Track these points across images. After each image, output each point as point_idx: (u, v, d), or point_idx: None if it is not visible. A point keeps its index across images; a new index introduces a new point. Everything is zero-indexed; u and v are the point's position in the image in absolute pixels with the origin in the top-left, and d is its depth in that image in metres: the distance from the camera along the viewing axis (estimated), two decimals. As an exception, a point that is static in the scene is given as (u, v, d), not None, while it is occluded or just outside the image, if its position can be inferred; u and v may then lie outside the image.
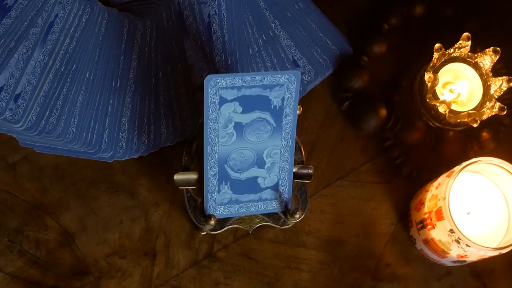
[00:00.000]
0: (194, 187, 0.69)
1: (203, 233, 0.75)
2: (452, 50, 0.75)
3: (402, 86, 0.79)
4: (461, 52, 0.75)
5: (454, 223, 0.66)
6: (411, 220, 0.75)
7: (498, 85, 0.74)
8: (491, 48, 0.74)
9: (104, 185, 0.76)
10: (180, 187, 0.69)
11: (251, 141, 0.66)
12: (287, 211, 0.69)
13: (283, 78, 0.63)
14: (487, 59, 0.75)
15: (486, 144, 0.78)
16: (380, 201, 0.78)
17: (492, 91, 0.75)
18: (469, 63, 0.76)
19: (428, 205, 0.70)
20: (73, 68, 0.68)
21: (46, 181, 0.76)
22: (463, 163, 0.68)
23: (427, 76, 0.73)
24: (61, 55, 0.66)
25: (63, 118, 0.68)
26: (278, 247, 0.76)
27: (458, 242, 0.66)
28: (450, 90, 0.77)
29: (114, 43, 0.72)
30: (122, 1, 0.76)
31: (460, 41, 0.74)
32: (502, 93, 0.74)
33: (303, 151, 0.72)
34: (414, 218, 0.74)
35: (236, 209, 0.69)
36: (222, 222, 0.71)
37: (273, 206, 0.69)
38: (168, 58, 0.75)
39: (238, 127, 0.65)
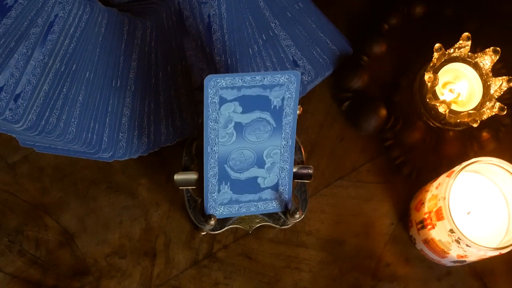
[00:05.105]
0: (194, 187, 0.69)
1: (203, 233, 0.75)
2: (452, 50, 0.75)
3: (402, 86, 0.79)
4: (461, 52, 0.75)
5: (454, 223, 0.66)
6: (411, 220, 0.75)
7: (498, 85, 0.74)
8: (491, 48, 0.74)
9: (104, 185, 0.76)
10: (180, 187, 0.69)
11: (251, 141, 0.66)
12: (287, 211, 0.69)
13: (283, 78, 0.63)
14: (487, 59, 0.75)
15: (486, 144, 0.78)
16: (380, 201, 0.78)
17: (492, 91, 0.75)
18: (469, 63, 0.76)
19: (428, 205, 0.70)
20: (73, 68, 0.68)
21: (46, 181, 0.76)
22: (463, 163, 0.68)
23: (427, 76, 0.73)
24: (61, 55, 0.66)
25: (63, 118, 0.68)
26: (278, 247, 0.76)
27: (458, 242, 0.66)
28: (450, 90, 0.77)
29: (114, 43, 0.72)
30: (122, 1, 0.76)
31: (460, 41, 0.74)
32: (502, 93, 0.74)
33: (303, 151, 0.72)
34: (414, 218, 0.74)
35: (236, 209, 0.69)
36: (222, 222, 0.71)
37: (273, 206, 0.69)
38: (168, 58, 0.75)
39: (238, 127, 0.65)
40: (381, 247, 0.76)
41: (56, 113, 0.67)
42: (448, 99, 0.75)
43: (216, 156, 0.66)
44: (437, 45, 0.74)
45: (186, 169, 0.70)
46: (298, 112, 0.66)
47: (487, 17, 0.81)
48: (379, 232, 0.77)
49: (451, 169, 0.69)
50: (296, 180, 0.70)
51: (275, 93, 0.64)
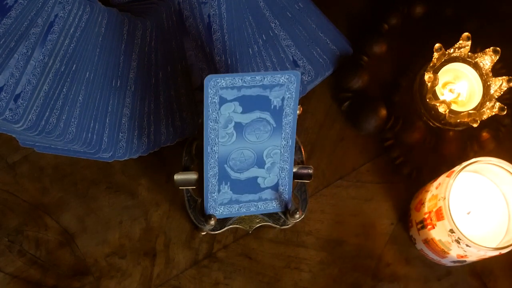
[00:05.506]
0: (194, 187, 0.69)
1: (203, 233, 0.75)
2: (452, 50, 0.75)
3: (402, 86, 0.79)
4: (461, 52, 0.75)
5: (454, 223, 0.66)
6: (411, 220, 0.75)
7: (498, 85, 0.74)
8: (491, 48, 0.74)
9: (104, 185, 0.76)
10: (180, 187, 0.69)
11: (251, 141, 0.66)
12: (287, 211, 0.69)
13: (283, 78, 0.63)
14: (487, 59, 0.75)
15: (486, 144, 0.78)
16: (380, 201, 0.78)
17: (492, 91, 0.75)
18: (469, 63, 0.76)
19: (428, 205, 0.70)
20: (73, 68, 0.68)
21: (46, 181, 0.76)
22: (463, 163, 0.68)
23: (427, 76, 0.73)
24: (61, 55, 0.66)
25: (63, 118, 0.68)
26: (278, 247, 0.76)
27: (458, 242, 0.66)
28: (450, 90, 0.77)
29: (114, 43, 0.72)
30: (122, 1, 0.76)
31: (460, 41, 0.74)
32: (502, 93, 0.74)
33: (303, 151, 0.72)
34: (414, 218, 0.74)
35: (236, 209, 0.69)
36: (222, 222, 0.71)
37: (273, 206, 0.69)
38: (168, 58, 0.75)
39: (238, 127, 0.65)
40: (381, 247, 0.76)
41: (56, 113, 0.67)
42: (448, 99, 0.75)
43: (216, 156, 0.66)
44: (437, 45, 0.74)
45: (186, 169, 0.70)
46: (298, 112, 0.66)
47: (487, 17, 0.81)
48: (379, 232, 0.77)
49: (451, 169, 0.69)
50: (296, 180, 0.70)
51: (275, 93, 0.64)
